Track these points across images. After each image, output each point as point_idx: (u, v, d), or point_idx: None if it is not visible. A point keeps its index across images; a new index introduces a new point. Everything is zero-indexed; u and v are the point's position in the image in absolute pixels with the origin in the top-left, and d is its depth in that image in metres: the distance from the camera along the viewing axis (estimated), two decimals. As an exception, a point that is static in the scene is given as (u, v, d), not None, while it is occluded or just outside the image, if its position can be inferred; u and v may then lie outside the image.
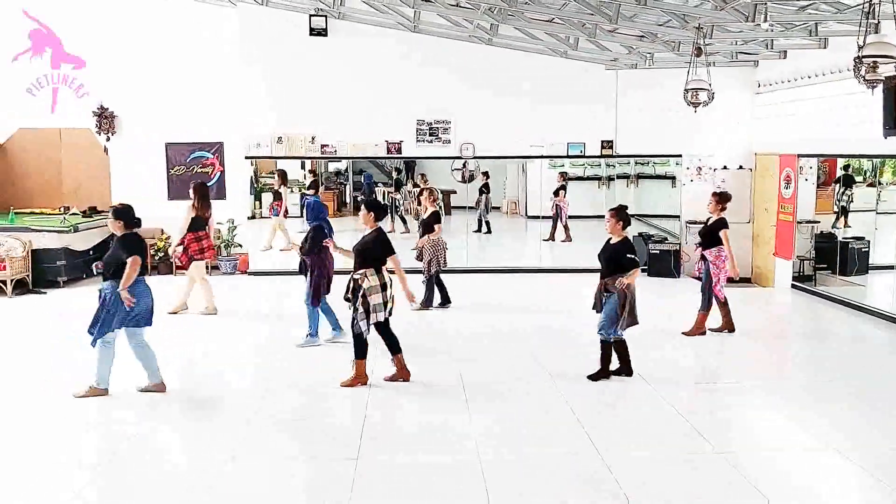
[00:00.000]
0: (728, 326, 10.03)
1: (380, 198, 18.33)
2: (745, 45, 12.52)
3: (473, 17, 12.58)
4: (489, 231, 18.13)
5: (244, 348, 9.82)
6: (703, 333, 9.93)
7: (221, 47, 14.67)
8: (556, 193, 17.22)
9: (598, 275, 8.17)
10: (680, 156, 14.74)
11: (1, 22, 15.02)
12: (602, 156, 14.99)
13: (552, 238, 17.32)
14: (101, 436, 6.91)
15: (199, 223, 11.12)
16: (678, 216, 14.92)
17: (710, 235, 9.84)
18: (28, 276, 13.08)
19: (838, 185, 14.81)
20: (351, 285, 7.88)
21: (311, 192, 11.26)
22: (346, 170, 18.88)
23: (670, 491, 5.68)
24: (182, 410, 7.45)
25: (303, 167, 17.29)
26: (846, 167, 14.14)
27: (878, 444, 6.53)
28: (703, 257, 9.91)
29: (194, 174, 15.03)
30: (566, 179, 17.31)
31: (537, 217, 17.04)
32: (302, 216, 11.01)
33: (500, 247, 17.68)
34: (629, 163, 16.33)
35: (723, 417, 7.34)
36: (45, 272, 13.30)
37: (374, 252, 7.87)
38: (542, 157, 15.10)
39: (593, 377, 8.11)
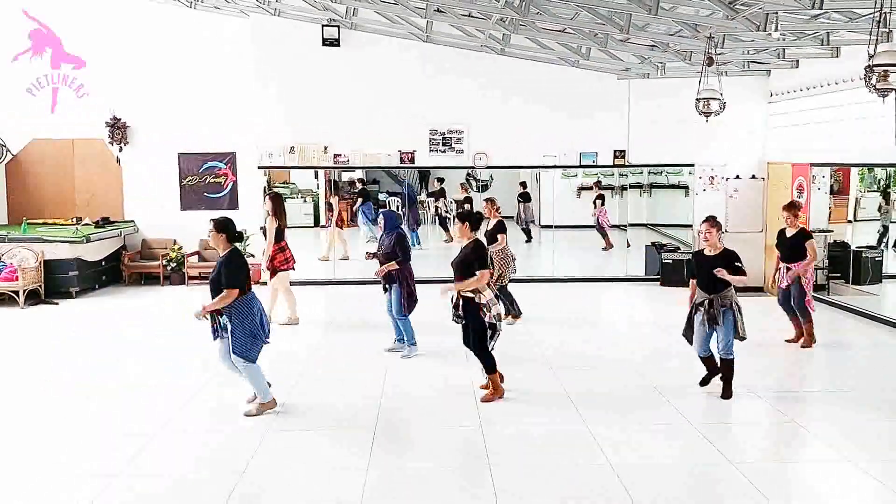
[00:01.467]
0: (802, 338, 9.99)
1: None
2: (757, 54, 12.48)
3: (485, 28, 12.59)
4: (529, 239, 18.19)
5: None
6: (814, 342, 9.91)
7: (233, 57, 14.75)
8: (595, 204, 17.29)
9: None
10: (693, 165, 14.70)
11: (1, 22, 15.15)
12: (615, 165, 14.95)
13: (609, 247, 17.39)
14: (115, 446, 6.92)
15: (280, 233, 11.05)
16: (691, 225, 14.84)
17: (796, 248, 9.76)
18: (40, 286, 13.15)
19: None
20: (460, 302, 7.57)
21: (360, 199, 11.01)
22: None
23: (681, 502, 5.64)
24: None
25: (316, 177, 17.32)
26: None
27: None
28: (788, 270, 9.86)
29: (207, 184, 15.12)
30: (601, 188, 17.34)
31: (550, 226, 17.00)
32: (376, 225, 10.59)
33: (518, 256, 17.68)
34: (642, 172, 16.27)
35: (738, 427, 7.29)
36: (57, 283, 13.37)
37: (476, 264, 7.51)
38: (554, 166, 15.07)
39: (724, 396, 7.84)
